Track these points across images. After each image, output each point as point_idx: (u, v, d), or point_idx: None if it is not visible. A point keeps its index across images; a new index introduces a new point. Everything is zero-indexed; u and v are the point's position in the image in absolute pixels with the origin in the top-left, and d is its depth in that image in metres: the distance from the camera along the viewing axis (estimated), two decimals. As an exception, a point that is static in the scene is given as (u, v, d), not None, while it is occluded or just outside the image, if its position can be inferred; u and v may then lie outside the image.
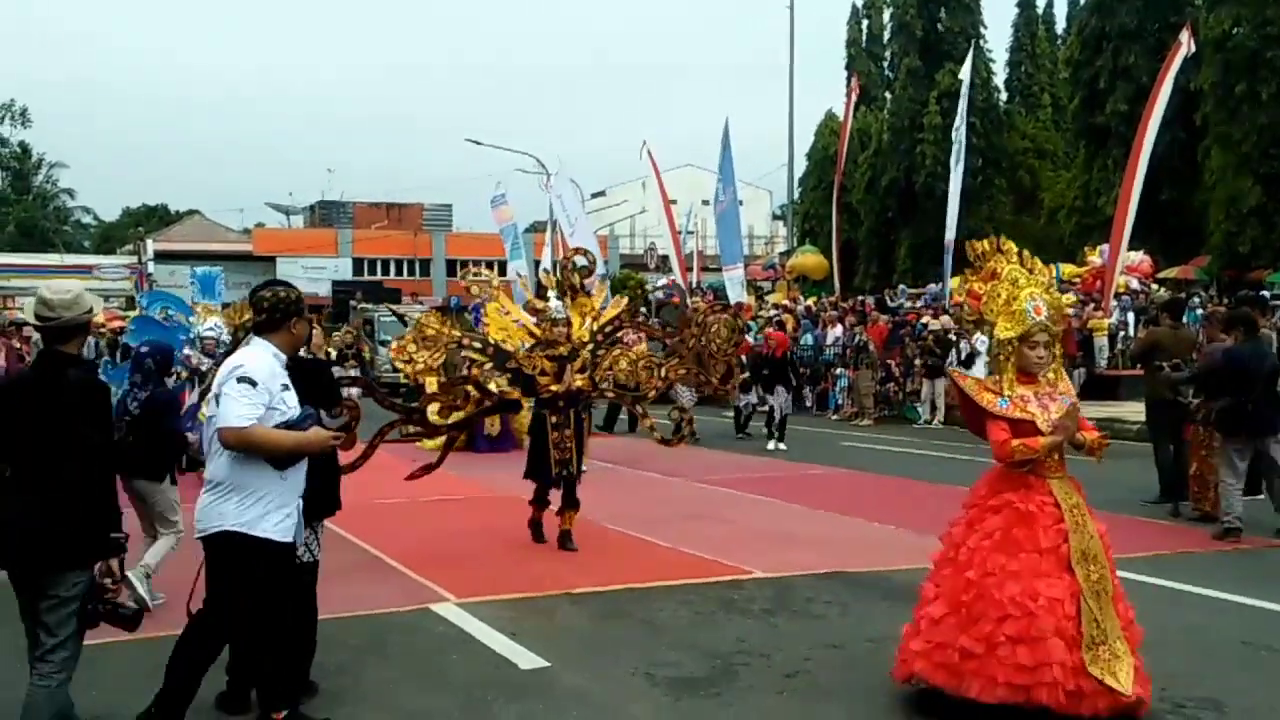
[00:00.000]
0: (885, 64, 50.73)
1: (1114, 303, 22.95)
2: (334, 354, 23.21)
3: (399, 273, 61.71)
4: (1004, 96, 49.27)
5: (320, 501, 5.48)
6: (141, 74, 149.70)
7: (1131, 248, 24.14)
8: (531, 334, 9.51)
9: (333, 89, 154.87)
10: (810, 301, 29.51)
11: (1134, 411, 15.98)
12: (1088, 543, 5.18)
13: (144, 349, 7.64)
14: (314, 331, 5.91)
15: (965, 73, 27.01)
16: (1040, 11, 52.79)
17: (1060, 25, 52.00)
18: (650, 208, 43.74)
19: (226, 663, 5.24)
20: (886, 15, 50.21)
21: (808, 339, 24.19)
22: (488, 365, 9.20)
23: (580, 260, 9.87)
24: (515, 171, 44.04)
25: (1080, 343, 21.62)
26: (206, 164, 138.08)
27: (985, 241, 5.48)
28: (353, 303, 33.15)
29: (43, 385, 4.61)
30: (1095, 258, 25.91)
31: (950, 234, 25.41)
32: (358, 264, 60.33)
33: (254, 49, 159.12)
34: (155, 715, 4.80)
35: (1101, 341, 22.37)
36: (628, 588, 7.79)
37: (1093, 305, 23.61)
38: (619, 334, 9.86)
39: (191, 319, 14.19)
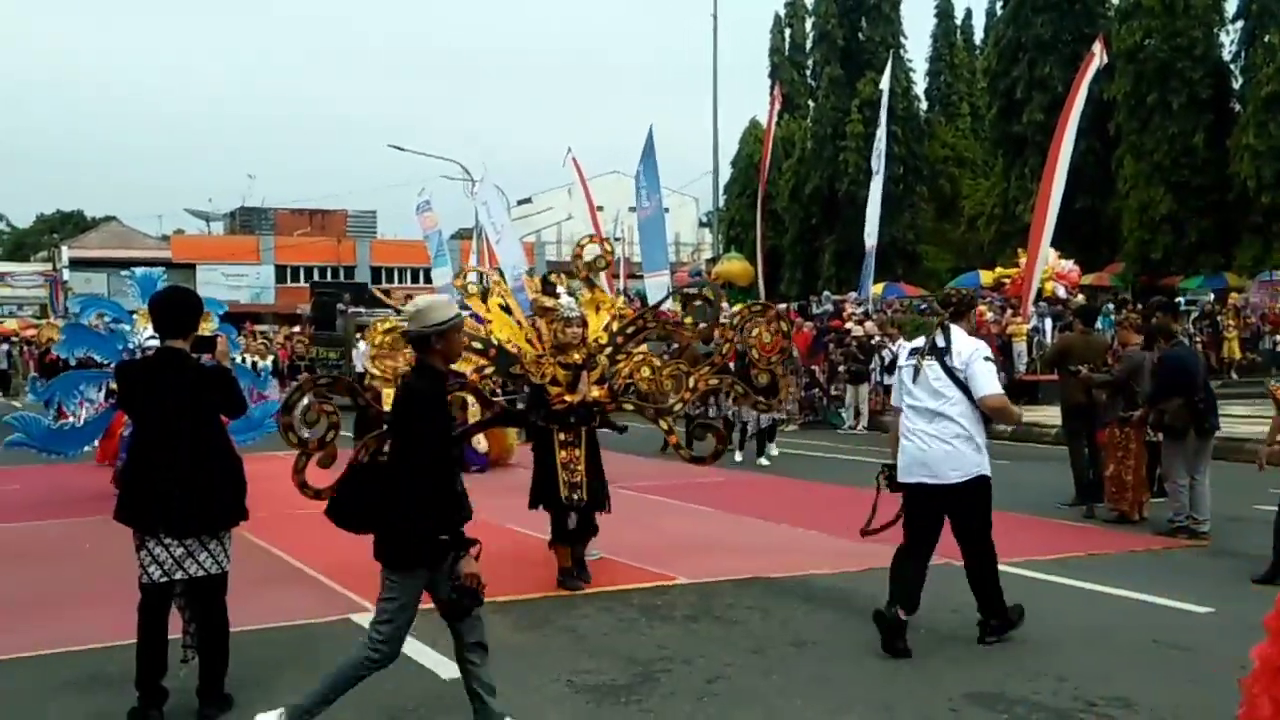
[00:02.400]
0: (808, 72, 51.22)
1: (1032, 309, 23.38)
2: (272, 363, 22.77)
3: (323, 279, 61.03)
4: (924, 105, 50.03)
5: (228, 510, 5.42)
6: (57, 72, 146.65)
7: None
8: (535, 339, 8.30)
9: (253, 90, 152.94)
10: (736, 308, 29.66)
11: (1051, 415, 16.28)
12: None
13: None
14: (219, 339, 5.91)
15: (885, 82, 27.39)
16: (959, 22, 53.73)
17: (979, 36, 52.90)
18: (576, 214, 43.81)
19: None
20: (809, 24, 50.70)
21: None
22: (488, 370, 8.18)
23: (593, 249, 8.71)
24: (440, 178, 43.88)
25: (1000, 348, 21.99)
26: (124, 169, 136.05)
27: None
28: (340, 306, 28.99)
29: (408, 393, 4.79)
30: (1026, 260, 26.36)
31: (871, 240, 25.73)
32: (280, 271, 59.65)
33: (169, 45, 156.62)
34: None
35: (1020, 347, 22.78)
36: (551, 596, 7.76)
37: (1011, 311, 24.04)
38: (640, 336, 8.59)
39: (129, 327, 12.70)
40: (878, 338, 21.24)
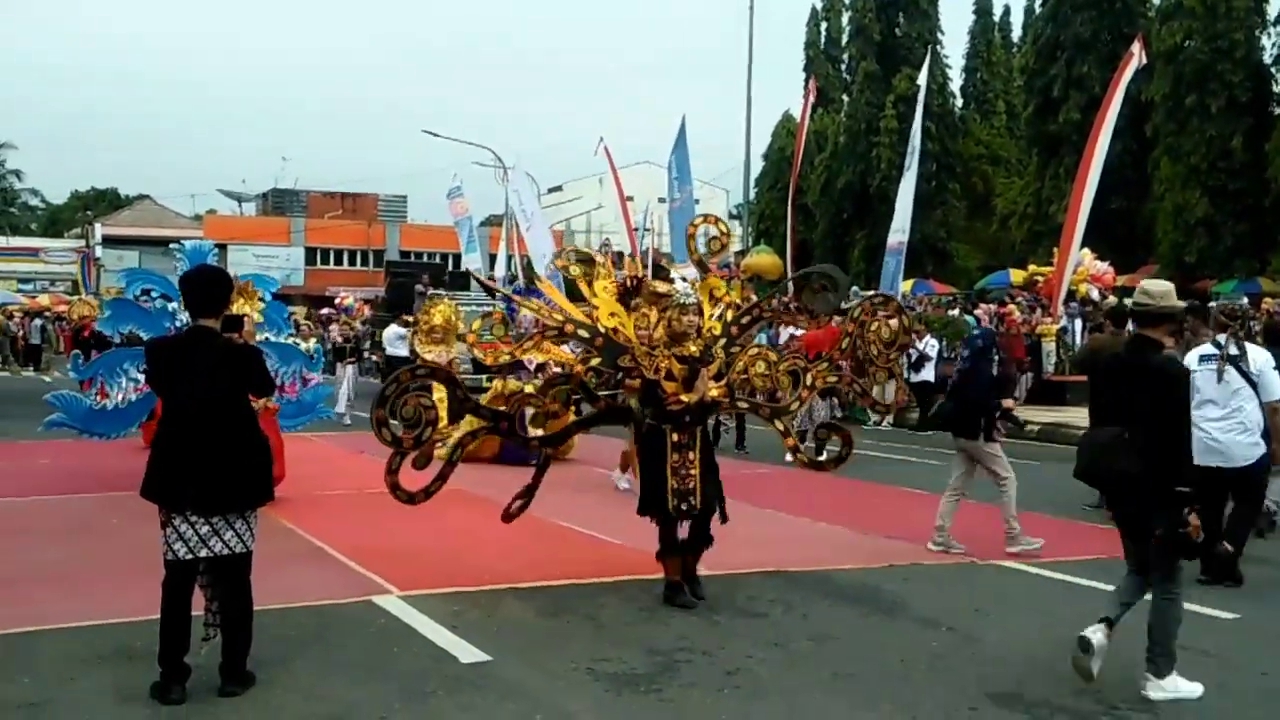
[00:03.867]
0: (843, 67, 51.03)
1: (1063, 309, 23.22)
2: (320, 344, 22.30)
3: (352, 263, 61.39)
4: (959, 102, 49.77)
5: (254, 489, 5.46)
6: (96, 55, 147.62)
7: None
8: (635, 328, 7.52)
9: (290, 75, 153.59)
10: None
11: (1079, 417, 16.17)
12: None
13: (977, 334, 9.78)
14: (246, 319, 5.94)
15: (923, 78, 27.23)
16: (997, 19, 53.36)
17: (1016, 33, 52.54)
18: (607, 204, 43.82)
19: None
20: (845, 19, 50.50)
21: (761, 338, 24.22)
22: (594, 360, 7.44)
23: (709, 230, 7.85)
24: (472, 165, 43.94)
25: (1029, 348, 21.85)
26: (159, 148, 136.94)
27: None
28: (419, 288, 26.28)
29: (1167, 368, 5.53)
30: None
31: (899, 237, 25.59)
32: (310, 253, 59.96)
33: (211, 31, 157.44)
34: None
35: (1049, 347, 22.63)
36: (572, 583, 7.77)
37: (1041, 310, 23.87)
38: (754, 328, 7.90)
39: (178, 303, 12.11)
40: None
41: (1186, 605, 7.38)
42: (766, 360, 7.58)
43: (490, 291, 10.61)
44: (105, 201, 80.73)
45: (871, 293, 8.50)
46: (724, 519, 7.36)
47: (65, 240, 66.97)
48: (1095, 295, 25.55)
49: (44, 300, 49.99)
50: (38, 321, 39.80)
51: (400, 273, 28.75)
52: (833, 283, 7.93)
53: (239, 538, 5.37)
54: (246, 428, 5.49)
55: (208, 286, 5.54)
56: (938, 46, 45.39)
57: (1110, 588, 7.82)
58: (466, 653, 6.10)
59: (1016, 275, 29.59)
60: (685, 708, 5.38)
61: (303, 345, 13.57)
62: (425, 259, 56.75)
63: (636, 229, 34.09)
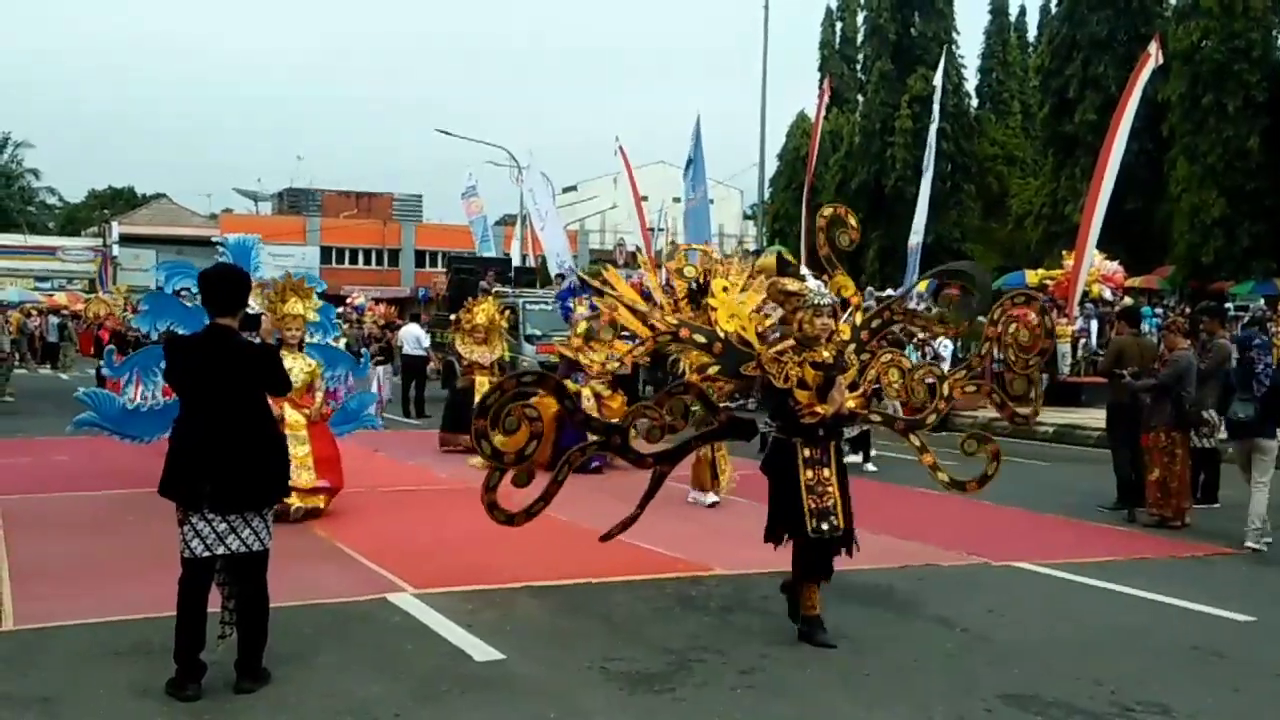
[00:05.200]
0: (858, 67, 50.92)
1: (1078, 310, 23.13)
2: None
3: (367, 262, 61.55)
4: (974, 102, 49.63)
5: (271, 487, 5.49)
6: (112, 54, 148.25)
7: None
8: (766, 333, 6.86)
9: (306, 73, 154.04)
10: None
11: (1094, 418, 16.14)
12: None
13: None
14: (264, 318, 5.95)
15: (938, 78, 27.17)
16: (1013, 19, 53.21)
17: (1032, 33, 52.39)
18: (621, 204, 43.79)
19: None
20: (860, 18, 50.42)
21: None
22: (713, 368, 6.70)
23: (837, 221, 7.04)
24: (487, 164, 43.93)
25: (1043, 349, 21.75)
26: (175, 147, 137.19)
27: None
28: (483, 284, 24.22)
29: None
30: (1070, 262, 26.09)
31: (918, 237, 25.56)
32: (325, 252, 60.09)
33: (228, 31, 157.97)
34: None
35: (1064, 348, 22.55)
36: (586, 582, 7.78)
37: (1057, 311, 23.79)
38: (886, 331, 7.15)
39: None
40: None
41: (1199, 608, 7.39)
42: (900, 368, 6.89)
43: (598, 292, 9.88)
44: (122, 200, 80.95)
45: (1014, 292, 7.58)
46: (855, 548, 6.60)
47: (82, 239, 67.19)
48: (1108, 295, 25.47)
49: (61, 298, 50.22)
50: (55, 320, 39.98)
51: (463, 269, 26.88)
52: (971, 282, 7.31)
53: (256, 535, 5.40)
54: (263, 426, 5.52)
55: (225, 285, 5.57)
56: (953, 46, 45.26)
57: (1124, 589, 7.82)
58: (480, 651, 6.12)
59: (1031, 276, 29.47)
60: (698, 707, 5.38)
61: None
62: (440, 258, 56.92)
63: (651, 229, 34.07)
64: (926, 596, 7.55)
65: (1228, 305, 23.02)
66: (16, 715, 5.06)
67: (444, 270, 31.75)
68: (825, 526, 6.33)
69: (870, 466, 13.73)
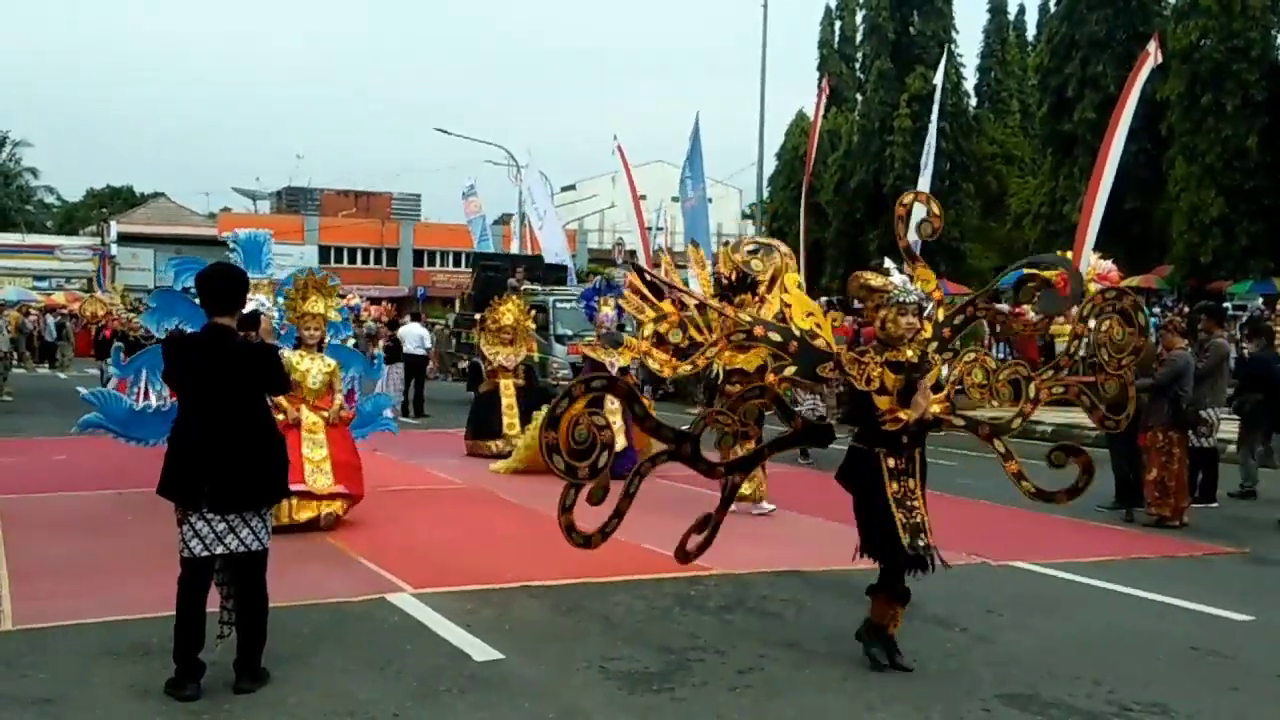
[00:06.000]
0: (857, 66, 50.86)
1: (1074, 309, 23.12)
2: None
3: (365, 261, 61.53)
4: (973, 101, 49.59)
5: (270, 487, 5.49)
6: (112, 54, 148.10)
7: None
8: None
9: (304, 72, 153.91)
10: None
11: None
12: None
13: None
14: (263, 318, 5.94)
15: (938, 77, 27.18)
16: (1011, 18, 53.19)
17: (1031, 32, 52.38)
18: (619, 203, 43.79)
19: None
20: (859, 17, 50.37)
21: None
22: (788, 369, 6.19)
23: (920, 210, 6.60)
24: (485, 163, 43.94)
25: (1041, 348, 21.79)
26: (174, 146, 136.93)
27: None
28: (512, 282, 23.18)
29: None
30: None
31: (916, 236, 25.55)
32: (324, 251, 60.04)
33: (228, 30, 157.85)
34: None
35: (1062, 347, 22.52)
36: (585, 582, 7.78)
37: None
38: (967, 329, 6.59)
39: None
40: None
41: (1198, 607, 7.40)
42: (985, 368, 6.26)
43: (659, 286, 9.16)
44: (120, 199, 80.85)
45: (1118, 290, 6.94)
46: (933, 565, 6.03)
47: (81, 238, 67.12)
48: (1105, 294, 25.45)
49: (59, 298, 50.16)
50: (52, 319, 39.94)
51: (490, 266, 25.71)
52: (1050, 285, 6.74)
53: (255, 535, 5.40)
54: (262, 426, 5.52)
55: (223, 284, 5.56)
56: (952, 45, 45.22)
57: (1123, 589, 7.83)
58: (479, 651, 6.13)
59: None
60: (697, 706, 5.39)
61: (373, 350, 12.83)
62: (439, 258, 56.85)
63: (649, 228, 34.06)
64: (926, 596, 7.52)
65: (1226, 305, 23.01)
66: (16, 715, 5.06)
67: (442, 269, 31.92)
68: (920, 543, 5.83)
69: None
